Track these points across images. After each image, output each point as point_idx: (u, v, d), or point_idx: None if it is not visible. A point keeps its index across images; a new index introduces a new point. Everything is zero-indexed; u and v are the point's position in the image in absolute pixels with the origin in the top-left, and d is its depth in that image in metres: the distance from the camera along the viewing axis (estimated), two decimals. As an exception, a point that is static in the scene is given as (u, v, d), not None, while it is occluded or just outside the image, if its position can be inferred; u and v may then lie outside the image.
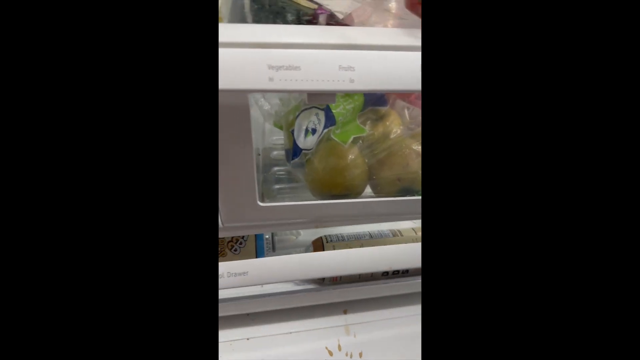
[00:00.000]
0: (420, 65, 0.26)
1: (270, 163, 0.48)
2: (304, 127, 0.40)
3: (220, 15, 0.28)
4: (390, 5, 0.38)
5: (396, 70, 0.26)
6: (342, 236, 0.49)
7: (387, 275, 0.48)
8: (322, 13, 0.31)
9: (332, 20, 0.36)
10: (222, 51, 0.24)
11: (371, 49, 0.26)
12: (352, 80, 0.26)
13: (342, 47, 0.26)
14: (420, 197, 0.39)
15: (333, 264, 0.43)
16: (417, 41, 0.27)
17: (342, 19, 0.37)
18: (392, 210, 0.40)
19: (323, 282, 0.48)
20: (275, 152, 0.50)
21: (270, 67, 0.25)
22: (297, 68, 0.25)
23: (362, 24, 0.37)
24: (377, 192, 0.41)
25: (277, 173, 0.48)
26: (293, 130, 0.42)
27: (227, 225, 0.37)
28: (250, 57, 0.25)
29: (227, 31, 0.25)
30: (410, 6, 0.29)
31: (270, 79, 0.25)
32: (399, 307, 0.51)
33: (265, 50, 0.25)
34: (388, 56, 0.26)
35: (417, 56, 0.26)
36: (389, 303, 0.51)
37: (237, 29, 0.26)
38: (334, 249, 0.46)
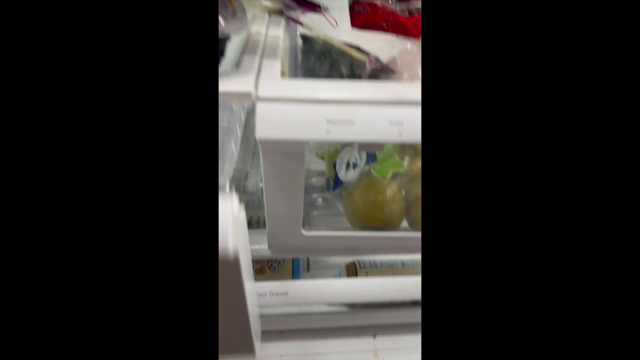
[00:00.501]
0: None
1: (309, 189, 0.51)
2: (346, 162, 0.43)
3: (282, 68, 0.32)
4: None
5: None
6: (374, 263, 0.51)
7: (417, 303, 0.50)
8: (373, 66, 0.33)
9: (379, 65, 0.39)
10: (286, 106, 0.28)
11: (419, 104, 0.29)
12: (400, 134, 0.28)
13: (392, 103, 0.28)
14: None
15: (366, 290, 0.45)
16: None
17: (388, 63, 0.40)
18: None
19: (355, 306, 0.50)
20: (314, 179, 0.53)
21: (329, 121, 0.28)
22: (351, 123, 0.28)
23: (406, 67, 0.39)
24: (414, 227, 0.43)
25: (316, 200, 0.50)
26: (335, 163, 0.45)
27: (272, 251, 0.40)
28: (311, 112, 0.28)
29: (290, 87, 0.29)
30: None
31: (328, 132, 0.28)
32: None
33: (325, 107, 0.28)
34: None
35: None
36: (418, 330, 0.53)
37: (299, 85, 0.29)
38: (367, 275, 0.49)
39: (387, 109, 0.28)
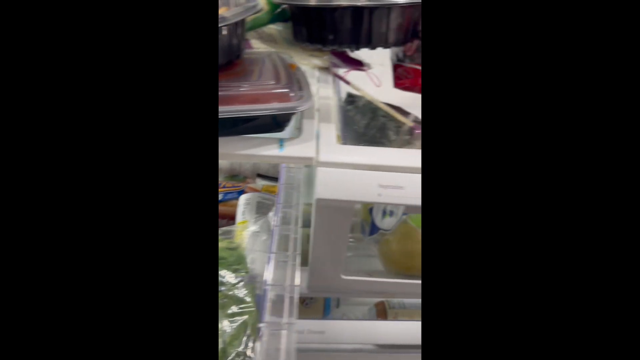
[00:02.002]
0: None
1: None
2: (382, 209, 0.46)
3: (338, 132, 0.35)
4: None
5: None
6: (403, 304, 0.53)
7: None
8: (416, 129, 0.37)
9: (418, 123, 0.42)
10: (343, 170, 0.31)
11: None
12: (445, 200, 0.31)
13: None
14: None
15: (397, 332, 0.47)
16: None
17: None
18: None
19: (382, 345, 0.52)
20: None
21: (381, 185, 0.31)
22: (401, 188, 0.31)
23: None
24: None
25: (349, 241, 0.53)
26: (371, 209, 0.48)
27: (311, 291, 0.43)
28: (365, 177, 0.31)
29: (347, 152, 0.32)
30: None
31: (379, 195, 0.31)
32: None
33: (377, 173, 0.31)
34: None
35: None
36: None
37: (354, 151, 0.33)
38: (396, 316, 0.51)
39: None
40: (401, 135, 0.37)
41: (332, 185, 0.31)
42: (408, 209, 0.32)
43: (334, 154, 0.31)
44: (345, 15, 0.35)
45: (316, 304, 0.54)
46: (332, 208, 0.34)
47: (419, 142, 0.37)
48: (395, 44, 0.38)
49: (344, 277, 0.41)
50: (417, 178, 0.31)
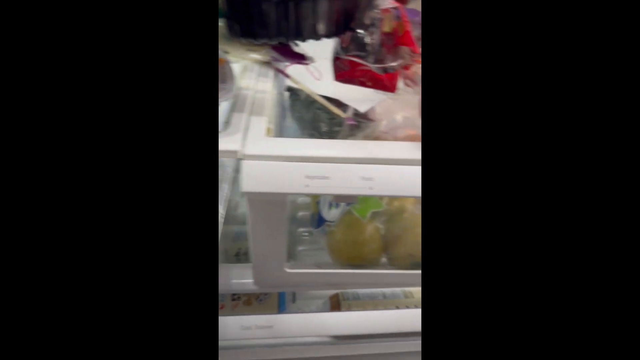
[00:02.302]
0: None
1: (296, 222, 0.54)
2: (328, 201, 0.46)
3: (269, 125, 0.35)
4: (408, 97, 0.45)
5: (406, 180, 0.32)
6: (357, 295, 0.53)
7: (396, 335, 0.52)
8: (350, 122, 0.37)
9: (356, 122, 0.42)
10: (269, 163, 0.31)
11: (387, 162, 0.32)
12: (371, 188, 0.32)
13: (364, 161, 0.32)
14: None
15: (348, 324, 0.48)
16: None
17: (366, 113, 0.44)
18: (404, 281, 0.45)
19: (338, 337, 0.52)
20: (301, 213, 0.56)
21: (307, 177, 0.31)
22: (327, 178, 0.31)
23: (385, 115, 0.43)
24: (392, 264, 0.46)
25: (302, 234, 0.53)
26: (319, 201, 0.48)
27: (258, 286, 0.43)
28: (292, 169, 0.31)
29: (273, 145, 0.32)
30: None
31: (306, 186, 0.31)
32: (407, 365, 0.54)
33: (304, 164, 0.31)
34: (402, 169, 0.32)
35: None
36: (401, 358, 0.55)
37: (281, 144, 0.33)
38: (350, 307, 0.51)
39: (359, 166, 0.32)
40: (333, 127, 0.37)
41: (257, 177, 0.31)
42: (337, 198, 0.32)
43: (260, 147, 0.31)
44: (271, 8, 0.34)
45: (270, 300, 0.54)
46: (263, 201, 0.34)
47: (351, 133, 0.37)
48: (327, 36, 0.38)
49: (288, 270, 0.41)
50: (343, 167, 0.31)
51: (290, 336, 0.47)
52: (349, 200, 0.35)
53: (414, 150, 0.33)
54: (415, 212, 0.46)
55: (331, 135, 0.37)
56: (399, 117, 0.42)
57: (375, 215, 0.47)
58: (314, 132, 0.37)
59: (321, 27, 0.37)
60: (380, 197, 0.48)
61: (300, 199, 0.57)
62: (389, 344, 0.52)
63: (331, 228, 0.45)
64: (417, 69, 0.38)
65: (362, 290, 0.54)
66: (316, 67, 0.47)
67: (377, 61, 0.40)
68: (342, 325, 0.47)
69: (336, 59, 0.45)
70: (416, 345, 0.53)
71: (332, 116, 0.38)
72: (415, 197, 0.41)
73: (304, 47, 0.47)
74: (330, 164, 0.31)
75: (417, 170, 0.32)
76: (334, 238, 0.45)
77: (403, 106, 0.44)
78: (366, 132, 0.40)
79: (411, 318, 0.49)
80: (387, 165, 0.32)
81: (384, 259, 0.48)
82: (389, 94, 0.43)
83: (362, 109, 0.42)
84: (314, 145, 0.33)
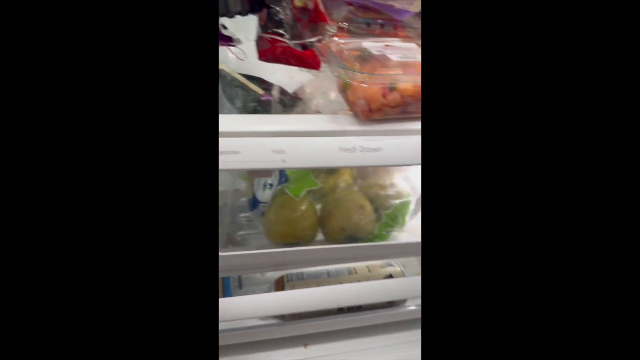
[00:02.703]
0: (339, 146, 0.32)
1: (237, 209, 0.54)
2: (262, 182, 0.46)
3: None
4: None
5: (320, 151, 0.32)
6: (302, 275, 0.54)
7: (342, 311, 0.53)
8: (266, 98, 0.37)
9: (284, 94, 0.42)
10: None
11: (299, 135, 0.32)
12: (283, 161, 0.32)
13: (275, 134, 0.32)
14: (362, 244, 0.45)
15: (291, 303, 0.48)
16: (337, 126, 0.33)
17: (296, 92, 0.44)
18: (339, 256, 0.45)
19: (284, 318, 0.53)
20: (242, 199, 0.56)
21: (220, 152, 0.31)
22: (237, 152, 0.31)
23: (316, 94, 0.43)
24: (328, 240, 0.47)
25: (242, 219, 0.53)
26: (254, 183, 0.48)
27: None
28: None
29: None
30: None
31: (219, 162, 0.31)
32: (355, 339, 0.56)
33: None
34: (313, 141, 0.32)
35: (335, 139, 0.33)
36: (347, 335, 0.56)
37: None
38: (294, 288, 0.51)
39: (270, 139, 0.32)
40: (248, 103, 0.37)
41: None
42: (251, 173, 0.32)
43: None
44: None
45: (215, 287, 0.53)
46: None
47: (267, 109, 0.37)
48: (241, 14, 0.38)
49: (221, 254, 0.41)
50: (254, 142, 0.31)
51: (233, 319, 0.47)
52: (264, 175, 0.35)
53: (326, 123, 0.34)
54: (346, 188, 0.47)
55: (248, 111, 0.37)
56: (333, 95, 0.42)
57: (311, 194, 0.47)
58: (232, 108, 0.37)
59: (232, 5, 0.37)
60: (316, 176, 0.48)
61: (244, 184, 0.57)
62: (335, 320, 0.53)
63: (266, 208, 0.45)
64: (332, 43, 0.39)
65: (306, 271, 0.55)
66: (242, 49, 0.46)
67: (295, 37, 0.40)
68: (285, 305, 0.48)
69: (259, 39, 0.44)
70: (361, 320, 0.54)
71: (249, 93, 0.38)
72: (328, 167, 0.41)
73: (232, 30, 0.47)
74: (240, 139, 0.31)
75: (332, 141, 0.33)
76: (268, 218, 0.45)
77: (333, 85, 0.44)
78: (297, 112, 0.40)
79: (352, 294, 0.50)
80: (300, 138, 0.32)
81: (321, 237, 0.48)
82: (314, 72, 0.43)
83: (290, 89, 0.42)
84: (225, 120, 0.33)
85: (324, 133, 0.33)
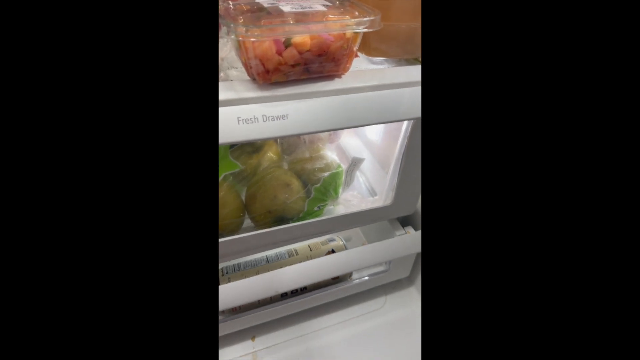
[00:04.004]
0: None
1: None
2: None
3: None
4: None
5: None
6: (238, 266, 0.50)
7: (286, 296, 0.50)
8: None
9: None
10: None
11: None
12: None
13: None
14: (291, 225, 0.41)
15: (228, 298, 0.44)
16: (233, 94, 0.29)
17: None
18: (270, 241, 0.42)
19: (223, 313, 0.49)
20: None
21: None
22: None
23: (222, 64, 0.38)
24: (255, 225, 0.43)
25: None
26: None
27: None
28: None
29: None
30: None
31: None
32: (304, 322, 0.53)
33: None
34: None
35: (231, 109, 0.28)
36: (294, 320, 0.53)
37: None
38: (229, 281, 0.47)
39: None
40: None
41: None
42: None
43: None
44: None
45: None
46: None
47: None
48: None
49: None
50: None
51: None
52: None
53: (221, 91, 0.29)
54: (270, 166, 0.43)
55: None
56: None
57: (232, 177, 0.43)
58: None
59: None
60: (236, 157, 0.43)
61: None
62: (278, 308, 0.50)
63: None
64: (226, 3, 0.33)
65: (243, 260, 0.51)
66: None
67: None
68: (222, 300, 0.43)
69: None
70: (308, 302, 0.52)
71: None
72: (242, 142, 0.37)
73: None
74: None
75: (227, 111, 0.28)
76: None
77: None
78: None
79: (293, 277, 0.47)
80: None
81: (249, 223, 0.44)
82: (221, 40, 0.37)
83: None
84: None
85: (219, 103, 0.28)
